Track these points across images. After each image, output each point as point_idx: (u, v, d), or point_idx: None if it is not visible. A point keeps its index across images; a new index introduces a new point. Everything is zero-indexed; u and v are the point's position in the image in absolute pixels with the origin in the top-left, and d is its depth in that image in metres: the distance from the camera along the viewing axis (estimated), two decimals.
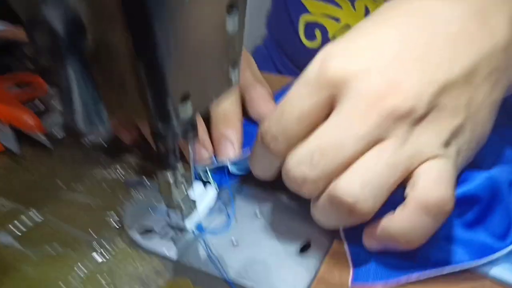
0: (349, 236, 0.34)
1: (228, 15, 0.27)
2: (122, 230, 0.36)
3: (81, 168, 0.42)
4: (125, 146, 0.44)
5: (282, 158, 0.32)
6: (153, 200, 0.38)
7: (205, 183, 0.39)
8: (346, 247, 0.34)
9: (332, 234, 0.35)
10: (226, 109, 0.41)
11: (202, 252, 0.34)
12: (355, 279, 0.32)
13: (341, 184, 0.29)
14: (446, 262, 0.31)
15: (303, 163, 0.30)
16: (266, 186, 0.40)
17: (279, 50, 0.89)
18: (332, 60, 0.31)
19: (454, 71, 0.30)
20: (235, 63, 0.30)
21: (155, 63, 0.24)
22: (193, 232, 0.35)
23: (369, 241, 0.32)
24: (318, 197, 0.31)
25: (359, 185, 0.29)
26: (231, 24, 0.28)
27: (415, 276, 0.31)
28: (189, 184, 0.34)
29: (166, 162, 0.31)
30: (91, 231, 0.35)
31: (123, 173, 0.42)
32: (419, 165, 0.29)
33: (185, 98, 0.27)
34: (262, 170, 0.36)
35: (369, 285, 0.31)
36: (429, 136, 0.30)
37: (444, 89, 0.30)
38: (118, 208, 0.38)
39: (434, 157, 0.30)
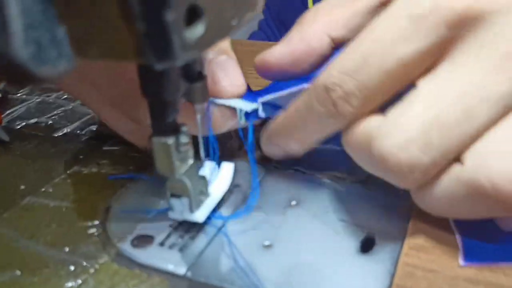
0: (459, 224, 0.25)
1: None
2: (107, 242, 0.25)
3: (49, 164, 0.32)
4: (108, 133, 0.34)
5: (348, 122, 0.24)
6: (150, 199, 0.28)
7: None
8: (458, 237, 0.24)
9: (403, 224, 0.25)
10: None
11: (224, 261, 0.24)
12: (467, 257, 0.23)
13: (492, 166, 0.20)
14: None
15: (412, 143, 0.21)
16: (297, 164, 0.30)
17: (281, 30, 0.81)
18: None
19: None
20: None
21: None
22: (204, 222, 0.25)
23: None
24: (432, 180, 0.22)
25: None
26: None
27: None
28: (199, 159, 0.24)
29: (161, 122, 0.21)
30: (64, 247, 0.25)
31: (107, 167, 0.31)
32: None
33: (193, 14, 0.17)
34: (304, 138, 0.26)
35: (487, 264, 0.22)
36: None
37: None
38: (101, 213, 0.27)
39: None
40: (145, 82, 0.21)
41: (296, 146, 0.27)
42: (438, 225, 0.24)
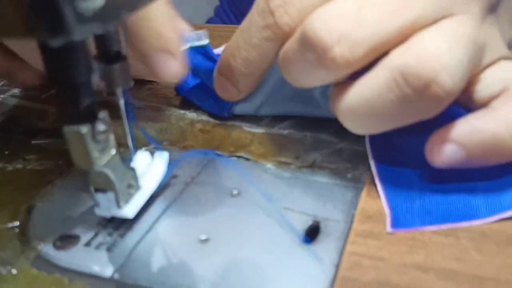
0: (383, 171, 0.25)
1: None
2: (27, 245, 0.23)
3: None
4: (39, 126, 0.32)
5: (290, 34, 0.23)
6: (79, 196, 0.26)
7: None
8: (378, 182, 0.24)
9: (351, 210, 0.23)
10: (154, 15, 0.27)
11: (156, 260, 0.21)
12: (394, 224, 0.22)
13: (421, 43, 0.20)
14: None
15: (345, 17, 0.20)
16: (237, 149, 0.28)
17: (237, 16, 0.79)
18: None
19: None
20: None
21: None
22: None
23: (447, 152, 0.22)
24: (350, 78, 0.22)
25: (447, 45, 0.20)
26: None
27: (479, 221, 0.22)
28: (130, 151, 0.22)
29: (73, 108, 0.19)
30: None
31: (34, 162, 0.29)
32: (489, 64, 0.23)
33: None
34: (247, 61, 0.25)
35: (415, 229, 0.22)
36: (498, 34, 0.23)
37: None
38: (23, 213, 0.25)
39: (506, 58, 0.23)
40: (50, 63, 0.18)
41: (242, 75, 0.26)
42: None
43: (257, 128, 0.30)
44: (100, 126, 0.20)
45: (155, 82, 0.37)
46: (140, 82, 0.37)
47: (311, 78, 0.22)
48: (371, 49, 0.20)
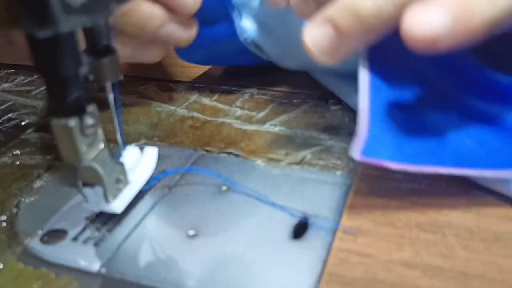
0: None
1: None
2: (14, 239, 0.23)
3: None
4: (29, 121, 0.31)
5: None
6: (67, 191, 0.26)
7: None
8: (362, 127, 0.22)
9: (339, 207, 0.23)
10: None
11: (143, 255, 0.21)
12: (366, 151, 0.21)
13: None
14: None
15: None
16: (228, 146, 0.28)
17: None
18: None
19: None
20: None
21: None
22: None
23: (431, 20, 0.18)
24: None
25: None
26: None
27: (443, 169, 0.22)
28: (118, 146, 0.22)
29: (61, 102, 0.19)
30: None
31: (23, 156, 0.29)
32: None
33: None
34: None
35: (382, 162, 0.21)
36: None
37: None
38: (11, 207, 0.25)
39: None
40: (37, 56, 0.18)
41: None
42: (375, 207, 0.23)
43: (248, 125, 0.30)
44: (89, 120, 0.20)
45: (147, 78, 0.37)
46: (132, 78, 0.37)
47: None
48: None
